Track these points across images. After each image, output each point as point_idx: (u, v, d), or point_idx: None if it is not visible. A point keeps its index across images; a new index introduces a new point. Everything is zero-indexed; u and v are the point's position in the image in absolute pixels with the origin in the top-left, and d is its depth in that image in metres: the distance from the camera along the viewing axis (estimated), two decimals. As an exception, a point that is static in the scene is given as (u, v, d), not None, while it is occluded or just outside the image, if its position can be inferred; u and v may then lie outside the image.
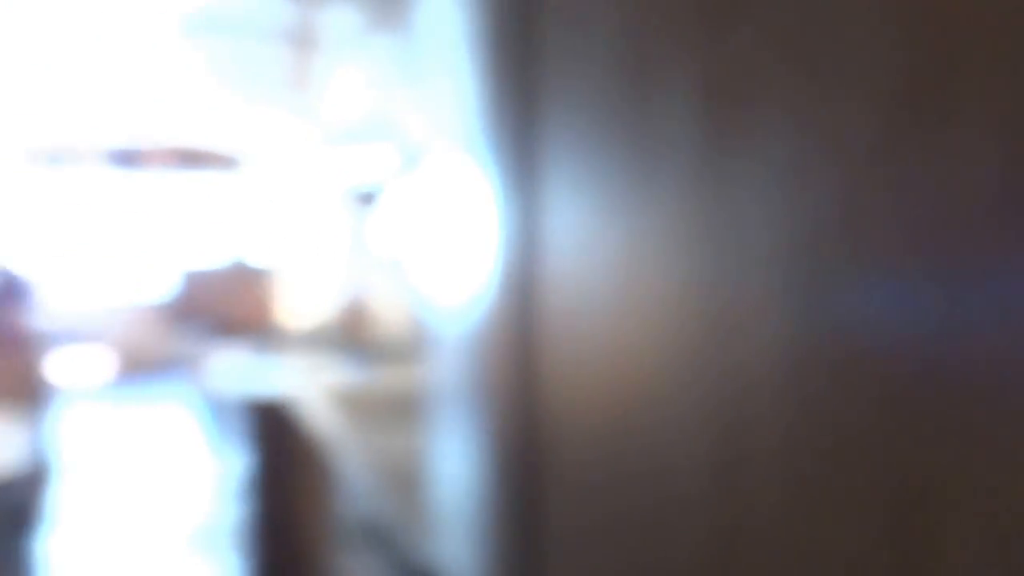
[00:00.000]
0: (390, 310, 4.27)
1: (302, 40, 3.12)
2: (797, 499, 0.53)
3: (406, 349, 3.84)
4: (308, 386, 3.25)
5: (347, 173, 3.42)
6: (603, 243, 0.77)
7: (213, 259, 7.14)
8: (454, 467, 1.10)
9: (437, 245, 1.14)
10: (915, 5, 0.43)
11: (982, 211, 0.41)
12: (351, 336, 4.11)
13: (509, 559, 0.98)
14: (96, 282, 8.15)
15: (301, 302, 5.59)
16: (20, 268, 6.70)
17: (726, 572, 0.58)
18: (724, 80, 0.58)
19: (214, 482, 4.85)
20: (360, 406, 2.79)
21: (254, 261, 6.47)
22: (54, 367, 5.42)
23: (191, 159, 7.55)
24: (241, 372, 3.63)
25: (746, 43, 0.55)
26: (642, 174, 0.70)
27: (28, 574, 3.59)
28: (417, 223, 1.01)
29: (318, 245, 5.35)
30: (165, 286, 5.95)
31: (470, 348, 1.03)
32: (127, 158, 7.44)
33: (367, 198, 4.38)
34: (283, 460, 3.28)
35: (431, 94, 1.14)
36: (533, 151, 0.87)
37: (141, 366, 7.69)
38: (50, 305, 7.39)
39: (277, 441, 3.27)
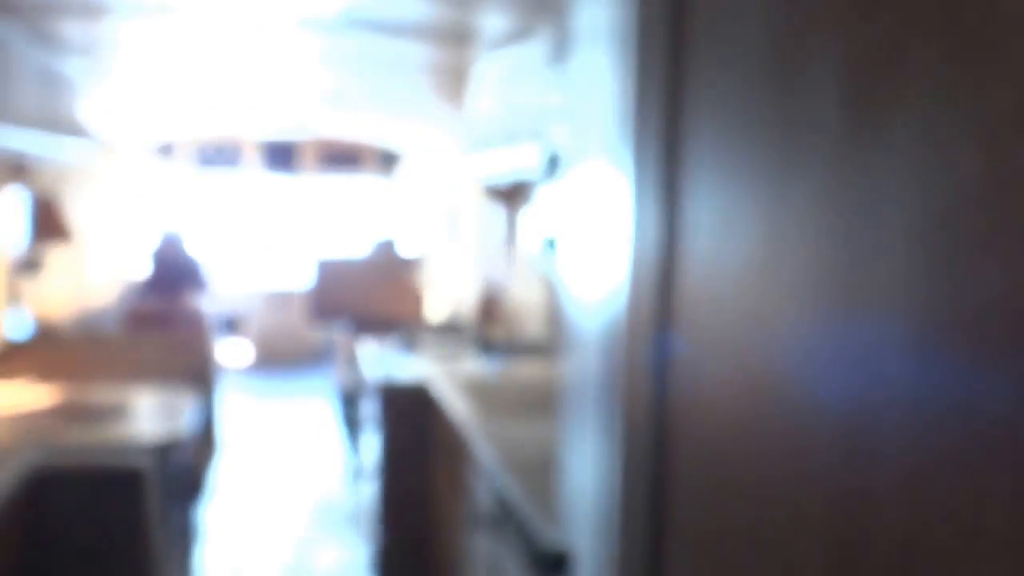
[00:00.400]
0: (527, 305, 4.34)
1: (453, 40, 3.22)
2: (927, 480, 0.52)
3: (541, 343, 3.89)
4: (444, 376, 3.36)
5: (492, 172, 3.51)
6: (742, 232, 0.77)
7: (358, 252, 7.46)
8: (585, 457, 1.12)
9: (581, 242, 1.16)
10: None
11: None
12: (487, 330, 4.20)
13: (634, 547, 1.01)
14: (250, 272, 8.71)
15: (442, 296, 5.76)
16: (197, 257, 7.27)
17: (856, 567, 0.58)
18: (867, 64, 0.58)
19: (348, 466, 5.08)
20: (493, 396, 2.85)
21: (399, 255, 6.69)
22: (220, 350, 5.85)
23: (342, 157, 7.92)
24: (380, 361, 3.79)
25: (891, 26, 0.55)
26: (782, 162, 0.70)
27: (190, 537, 3.90)
28: (562, 221, 1.04)
29: (461, 241, 5.50)
30: (311, 277, 6.25)
31: (607, 343, 1.05)
32: (282, 155, 7.89)
33: (512, 197, 4.47)
34: (417, 445, 3.40)
35: (579, 93, 1.17)
36: (676, 146, 0.89)
37: (283, 354, 8.13)
38: (216, 292, 7.95)
39: (412, 427, 3.39)
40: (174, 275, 6.84)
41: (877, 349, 0.57)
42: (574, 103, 1.18)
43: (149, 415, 3.23)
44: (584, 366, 1.13)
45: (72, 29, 3.31)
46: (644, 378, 0.93)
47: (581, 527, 1.09)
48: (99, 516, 2.26)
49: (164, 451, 2.81)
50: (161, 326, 5.57)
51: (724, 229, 0.80)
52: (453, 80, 3.85)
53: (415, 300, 6.03)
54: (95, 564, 2.28)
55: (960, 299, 0.50)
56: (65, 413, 3.05)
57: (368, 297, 5.99)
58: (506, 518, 1.94)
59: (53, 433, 2.60)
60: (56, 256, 4.91)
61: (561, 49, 2.45)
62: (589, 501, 1.08)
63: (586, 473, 1.10)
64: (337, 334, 7.10)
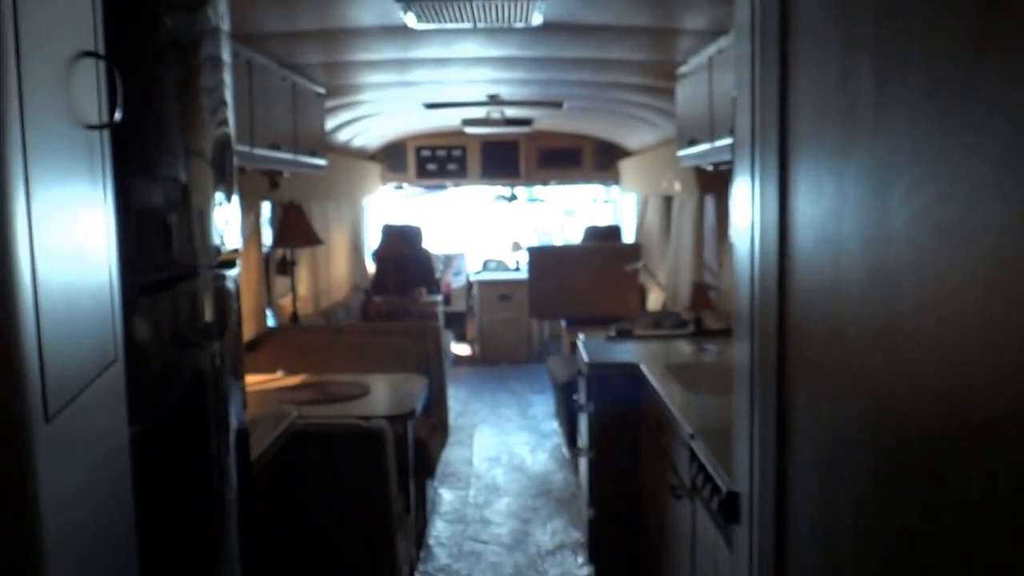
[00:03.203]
0: (728, 291, 4.32)
1: (661, 37, 3.29)
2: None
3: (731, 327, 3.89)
4: (654, 360, 3.47)
5: (702, 163, 3.55)
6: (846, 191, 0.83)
7: (576, 242, 7.66)
8: (741, 420, 1.27)
9: (737, 229, 1.27)
10: None
11: None
12: (701, 316, 4.23)
13: (766, 482, 1.15)
14: (475, 265, 9.22)
15: (659, 285, 5.81)
16: (426, 254, 7.83)
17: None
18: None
19: (564, 449, 5.29)
20: (697, 377, 2.93)
21: (616, 245, 6.81)
22: (447, 341, 6.29)
23: (561, 153, 8.12)
24: (596, 349, 3.94)
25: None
26: (887, 153, 0.76)
27: (424, 513, 4.28)
28: (734, 210, 1.14)
29: (676, 231, 5.53)
30: (528, 270, 6.49)
31: (761, 322, 1.16)
32: (502, 153, 8.16)
33: (721, 187, 4.46)
34: (627, 425, 3.52)
35: (739, 85, 1.26)
36: (786, 137, 0.97)
37: (506, 345, 8.50)
38: (443, 287, 8.49)
39: (623, 408, 3.52)
40: (404, 272, 7.43)
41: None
42: (739, 95, 1.27)
43: (384, 396, 3.60)
44: (740, 344, 1.23)
45: (314, 56, 3.76)
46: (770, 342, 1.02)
47: (743, 474, 1.20)
48: (345, 469, 2.60)
49: (398, 421, 3.14)
50: (394, 319, 6.09)
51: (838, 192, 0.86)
52: (664, 76, 3.92)
53: (633, 290, 6.12)
54: (343, 508, 2.63)
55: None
56: (313, 392, 3.48)
57: (586, 289, 6.13)
58: (702, 480, 2.04)
59: (305, 406, 3.00)
60: (304, 257, 5.54)
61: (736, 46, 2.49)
62: (744, 454, 1.19)
63: (742, 433, 1.21)
64: (556, 325, 7.37)
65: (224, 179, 1.85)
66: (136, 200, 1.38)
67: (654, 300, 6.26)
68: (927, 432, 0.72)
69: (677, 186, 5.23)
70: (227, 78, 1.92)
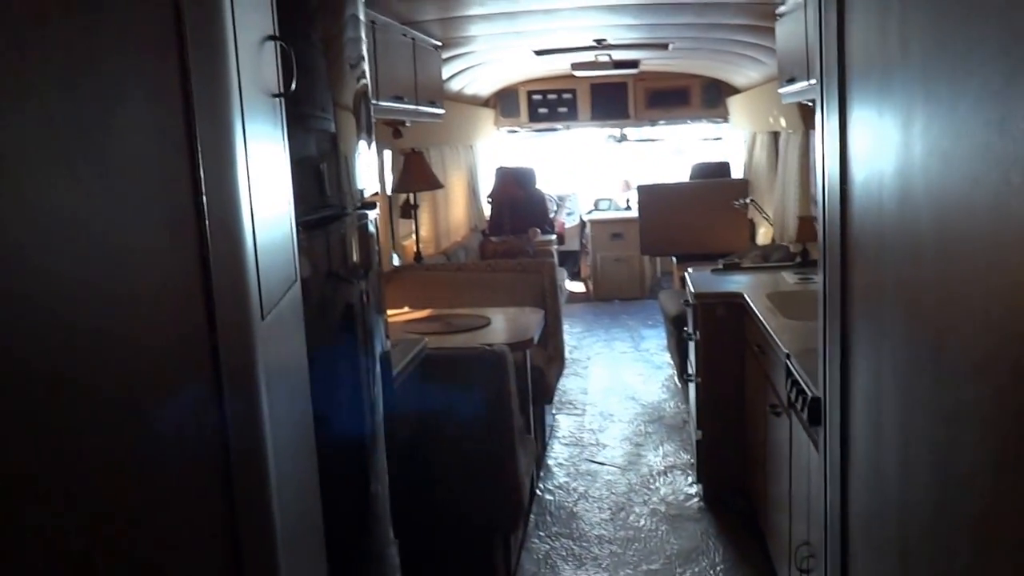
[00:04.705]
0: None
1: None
2: None
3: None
4: (759, 289, 3.62)
5: (803, 100, 3.60)
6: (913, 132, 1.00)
7: (684, 178, 7.70)
8: (822, 341, 1.46)
9: (821, 166, 1.43)
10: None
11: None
12: (807, 247, 4.31)
13: (839, 390, 1.32)
14: (587, 204, 9.39)
15: (767, 218, 5.85)
16: (539, 194, 8.06)
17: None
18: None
19: (674, 378, 5.48)
20: (798, 304, 3.07)
21: (725, 181, 6.83)
22: (561, 277, 6.54)
23: (669, 93, 8.11)
24: (704, 282, 4.10)
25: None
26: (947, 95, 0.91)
27: (543, 436, 4.60)
28: (817, 149, 1.29)
29: (783, 165, 5.54)
30: (639, 207, 6.61)
31: (830, 249, 1.34)
32: (611, 94, 8.21)
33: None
34: (732, 352, 3.70)
35: (814, 33, 1.41)
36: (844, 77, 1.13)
37: (618, 281, 8.66)
38: (556, 225, 8.71)
39: (728, 336, 3.69)
40: (519, 213, 7.70)
41: None
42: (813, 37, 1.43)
43: (503, 327, 3.90)
44: (820, 271, 1.42)
45: (430, 13, 4.02)
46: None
47: (821, 384, 1.41)
48: (471, 389, 2.91)
49: (517, 349, 3.44)
50: (510, 258, 6.38)
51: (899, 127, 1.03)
52: (764, 16, 3.96)
53: (742, 225, 6.17)
54: (470, 424, 2.95)
55: None
56: (438, 324, 3.81)
57: (696, 225, 6.22)
58: (795, 394, 2.23)
59: (432, 336, 3.33)
60: (425, 201, 5.88)
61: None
62: (822, 366, 1.39)
63: (820, 348, 1.41)
64: (668, 262, 7.48)
65: (364, 128, 2.11)
66: (296, 149, 1.52)
67: (763, 235, 6.29)
68: (944, 340, 0.87)
69: (783, 122, 5.24)
70: (362, 35, 2.16)
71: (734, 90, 7.42)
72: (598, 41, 5.44)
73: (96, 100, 0.79)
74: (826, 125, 1.23)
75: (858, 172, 1.10)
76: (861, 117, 1.09)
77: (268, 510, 1.11)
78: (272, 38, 1.29)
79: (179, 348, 0.97)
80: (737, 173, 7.42)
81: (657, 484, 4.24)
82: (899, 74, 0.94)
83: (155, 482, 0.87)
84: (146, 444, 0.85)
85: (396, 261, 5.25)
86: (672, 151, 9.83)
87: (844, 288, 1.19)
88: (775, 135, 5.82)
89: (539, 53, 5.73)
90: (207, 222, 1.00)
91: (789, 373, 2.41)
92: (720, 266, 4.45)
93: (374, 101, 3.49)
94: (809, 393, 2.03)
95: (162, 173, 0.95)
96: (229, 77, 1.02)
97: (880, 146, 1.04)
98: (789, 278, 3.92)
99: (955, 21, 0.76)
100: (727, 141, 8.30)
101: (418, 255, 5.52)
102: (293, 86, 1.32)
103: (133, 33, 0.88)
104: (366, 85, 2.15)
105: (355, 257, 2.02)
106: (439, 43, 4.76)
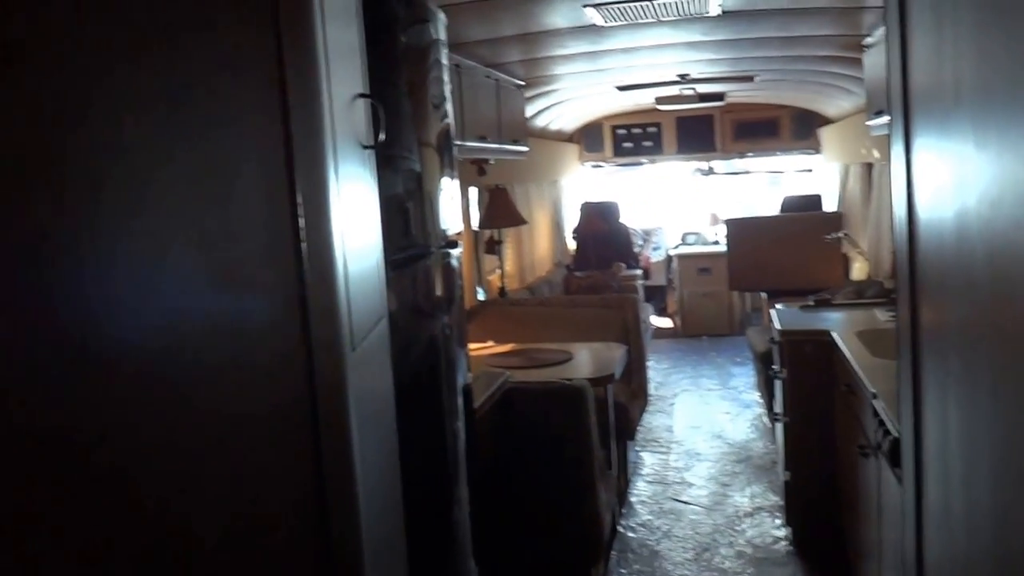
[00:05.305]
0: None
1: (850, 12, 3.34)
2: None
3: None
4: (847, 327, 3.55)
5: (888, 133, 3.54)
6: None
7: (774, 212, 7.56)
8: (900, 380, 1.45)
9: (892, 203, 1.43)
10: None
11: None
12: (887, 287, 4.20)
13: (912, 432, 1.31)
14: (674, 239, 9.32)
15: (862, 253, 5.71)
16: (624, 228, 8.07)
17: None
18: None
19: (762, 417, 5.37)
20: (883, 341, 3.00)
21: (817, 214, 6.69)
22: (646, 313, 6.52)
23: (758, 125, 8.02)
24: (794, 318, 4.04)
25: None
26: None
27: (626, 473, 4.58)
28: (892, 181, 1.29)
29: (876, 199, 5.42)
30: (727, 241, 6.53)
31: (900, 287, 1.33)
32: (698, 127, 8.16)
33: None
34: (821, 391, 3.62)
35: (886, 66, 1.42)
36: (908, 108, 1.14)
37: (706, 318, 8.53)
38: (642, 260, 8.68)
39: (817, 374, 3.62)
40: (604, 247, 7.72)
41: None
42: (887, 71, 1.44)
43: (585, 361, 3.93)
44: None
45: (513, 55, 4.15)
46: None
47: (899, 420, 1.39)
48: (551, 424, 2.96)
49: (599, 384, 3.46)
50: (594, 292, 6.41)
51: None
52: (852, 47, 3.94)
53: (835, 260, 6.03)
54: (550, 459, 2.99)
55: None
56: (520, 358, 3.87)
57: (786, 260, 6.11)
58: (882, 435, 2.19)
59: (514, 370, 3.39)
60: (510, 236, 5.98)
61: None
62: (898, 405, 1.38)
63: (899, 388, 1.40)
64: (758, 298, 7.35)
65: (447, 166, 2.21)
66: (384, 190, 1.60)
67: (858, 270, 6.14)
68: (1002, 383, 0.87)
69: (875, 153, 5.14)
70: (446, 78, 2.27)
71: (826, 120, 7.30)
72: (681, 76, 5.47)
73: (217, 153, 0.90)
74: (894, 162, 1.25)
75: (923, 211, 1.11)
76: (923, 157, 1.10)
77: (357, 533, 1.18)
78: (362, 95, 1.39)
79: (280, 372, 1.07)
80: (830, 206, 7.27)
81: (744, 525, 4.16)
82: (953, 116, 0.96)
83: (256, 490, 0.96)
84: (249, 455, 0.94)
85: (481, 296, 5.36)
86: (766, 183, 9.70)
87: (914, 326, 1.19)
88: (869, 166, 5.70)
89: (622, 89, 5.80)
90: (305, 261, 1.10)
91: (876, 413, 2.36)
92: (810, 303, 4.38)
93: (459, 141, 3.62)
94: (893, 434, 2.00)
95: (267, 217, 1.06)
96: (324, 132, 1.12)
97: (939, 186, 1.05)
98: (881, 315, 3.83)
99: (1002, 62, 0.78)
100: (819, 173, 8.14)
101: (502, 290, 5.61)
102: (382, 137, 1.42)
103: (245, 97, 0.99)
104: (449, 125, 2.25)
105: (439, 292, 2.10)
106: (522, 82, 4.89)
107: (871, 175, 5.62)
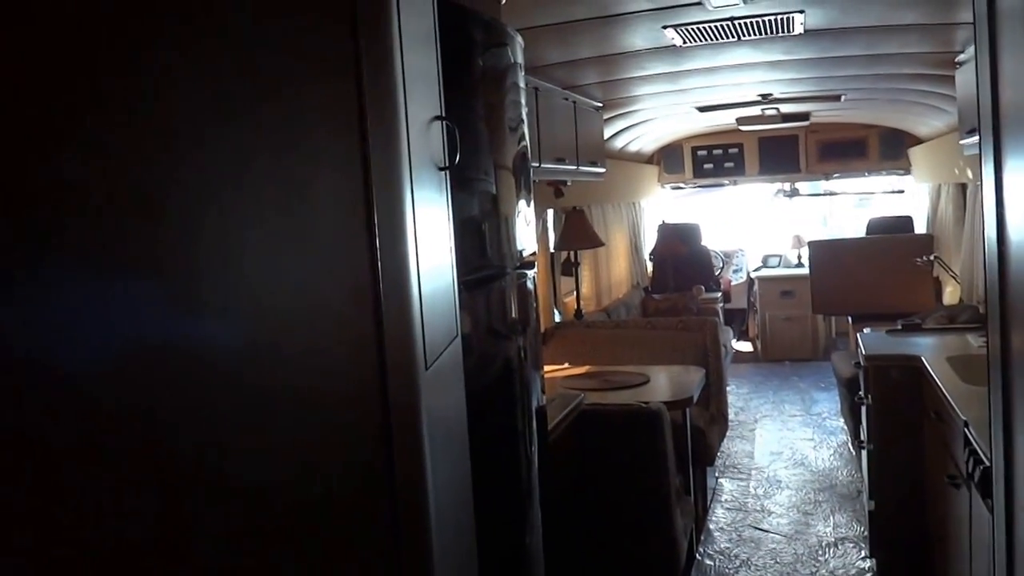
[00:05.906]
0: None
1: (929, 34, 3.25)
2: None
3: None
4: (937, 352, 3.41)
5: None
6: None
7: (860, 234, 7.33)
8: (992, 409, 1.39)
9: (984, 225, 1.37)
10: None
11: None
12: (982, 311, 4.02)
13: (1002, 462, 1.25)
14: (755, 261, 9.13)
15: (955, 276, 5.49)
16: (703, 250, 7.96)
17: None
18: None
19: (847, 445, 5.18)
20: (974, 367, 2.88)
21: (907, 237, 6.46)
22: (726, 336, 6.40)
23: (844, 144, 7.80)
24: (880, 343, 3.91)
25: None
26: None
27: (704, 499, 4.49)
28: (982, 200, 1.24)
29: (969, 220, 5.21)
30: (810, 264, 6.36)
31: (991, 312, 1.28)
32: (781, 148, 7.99)
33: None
34: (909, 417, 3.48)
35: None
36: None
37: (789, 341, 8.32)
38: (722, 283, 8.53)
39: (905, 400, 3.49)
40: (683, 270, 7.63)
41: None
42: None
43: (662, 384, 3.88)
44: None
45: (591, 77, 4.17)
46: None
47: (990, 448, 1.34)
48: (627, 447, 2.93)
49: (676, 408, 3.41)
50: (672, 314, 6.33)
51: None
52: (943, 65, 3.81)
53: (925, 283, 5.82)
54: (625, 482, 2.95)
55: None
56: (596, 381, 3.85)
57: (872, 283, 5.91)
58: (973, 464, 2.09)
59: (589, 392, 3.37)
60: (586, 258, 5.97)
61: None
62: (989, 433, 1.33)
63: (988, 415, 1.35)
64: (843, 322, 7.13)
65: (523, 188, 2.23)
66: (459, 212, 1.63)
67: (950, 294, 5.90)
68: None
69: (969, 173, 4.94)
70: (523, 100, 2.29)
71: (916, 140, 7.06)
72: (763, 96, 5.39)
73: (296, 174, 0.94)
74: (985, 183, 1.20)
75: (1014, 232, 1.06)
76: (1015, 177, 1.06)
77: (429, 556, 1.19)
78: (439, 118, 1.42)
79: (356, 389, 1.09)
80: (920, 227, 7.02)
81: (826, 556, 4.02)
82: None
83: (331, 504, 0.98)
84: (327, 470, 0.97)
85: (557, 317, 5.35)
86: (852, 205, 9.42)
87: (1004, 351, 1.14)
88: (962, 187, 5.49)
89: (702, 110, 5.74)
90: (381, 280, 1.12)
91: (967, 442, 2.26)
92: (898, 327, 4.23)
93: (536, 163, 3.64)
94: (985, 462, 1.91)
95: (346, 237, 1.09)
96: (401, 153, 1.15)
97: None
98: (974, 341, 3.67)
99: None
100: (910, 194, 7.87)
101: (579, 312, 5.59)
102: (457, 159, 1.45)
103: (326, 121, 1.03)
104: (526, 147, 2.27)
105: (514, 314, 2.11)
106: (600, 104, 4.89)
107: (964, 196, 5.41)
